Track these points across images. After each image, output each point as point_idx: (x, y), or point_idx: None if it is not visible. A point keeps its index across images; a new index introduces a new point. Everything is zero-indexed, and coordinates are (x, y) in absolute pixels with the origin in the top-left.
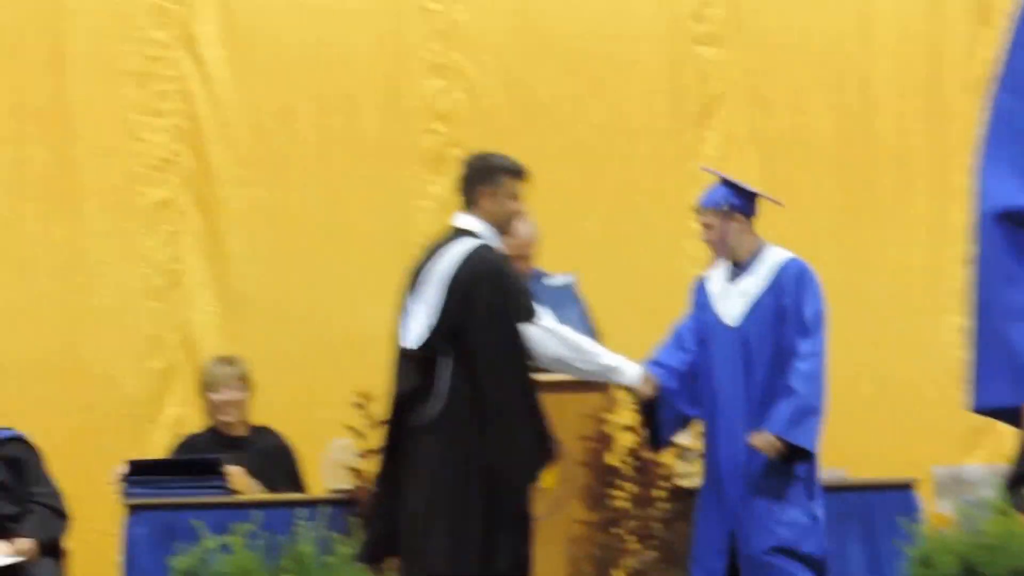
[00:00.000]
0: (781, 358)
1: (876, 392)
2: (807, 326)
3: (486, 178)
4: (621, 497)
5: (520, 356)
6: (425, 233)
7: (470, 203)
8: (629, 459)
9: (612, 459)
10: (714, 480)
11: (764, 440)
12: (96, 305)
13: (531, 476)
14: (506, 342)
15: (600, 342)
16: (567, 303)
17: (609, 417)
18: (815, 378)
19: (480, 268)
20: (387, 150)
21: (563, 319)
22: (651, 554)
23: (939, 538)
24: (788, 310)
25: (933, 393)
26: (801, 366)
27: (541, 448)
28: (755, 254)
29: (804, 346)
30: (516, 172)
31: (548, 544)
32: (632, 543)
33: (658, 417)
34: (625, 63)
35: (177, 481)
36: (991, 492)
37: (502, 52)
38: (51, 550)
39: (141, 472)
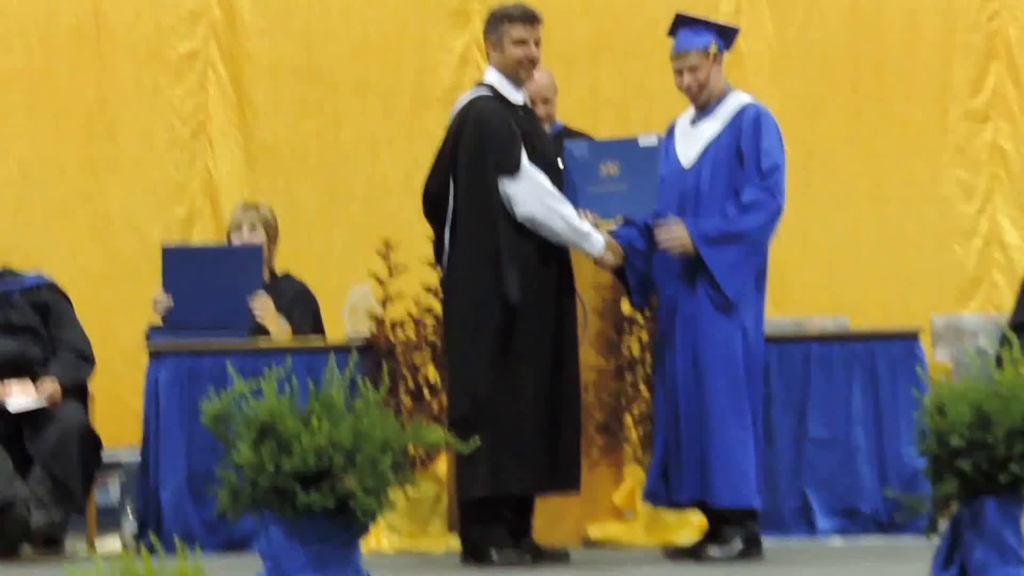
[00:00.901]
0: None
1: (877, 243)
2: (762, 168)
3: (489, 28)
4: (634, 344)
5: (490, 210)
6: (446, 86)
7: (488, 55)
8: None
9: (626, 306)
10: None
11: (674, 232)
12: (122, 154)
13: (486, 325)
14: (479, 195)
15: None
16: (648, 164)
17: None
18: (755, 212)
19: (466, 121)
20: (411, 5)
21: (637, 180)
22: None
23: (952, 386)
24: (743, 153)
25: (932, 244)
26: (745, 197)
27: (499, 301)
28: (720, 98)
29: (753, 182)
30: (516, 17)
31: None
32: (644, 389)
33: (627, 282)
34: None
35: (201, 327)
36: (987, 341)
37: None
38: (76, 393)
39: (178, 259)
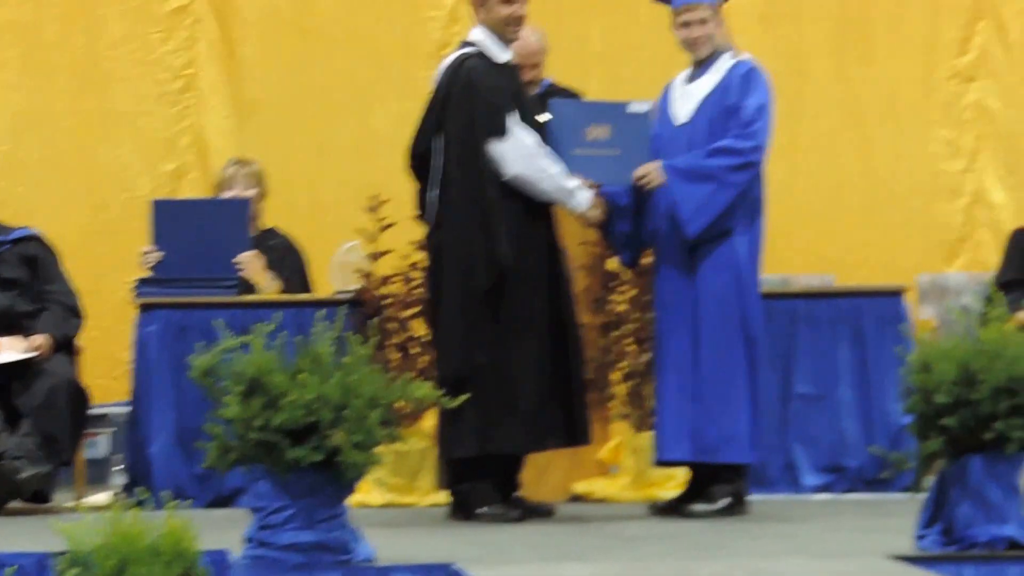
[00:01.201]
0: None
1: (863, 201)
2: (742, 118)
3: None
4: (621, 301)
5: (480, 172)
6: (436, 42)
7: (476, 14)
8: None
9: (612, 264)
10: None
11: (649, 167)
12: (111, 108)
13: (479, 285)
14: (469, 157)
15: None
16: (639, 131)
17: None
18: (726, 155)
19: (453, 81)
20: None
21: (629, 147)
22: (648, 356)
23: (937, 344)
24: (732, 108)
25: (918, 203)
26: (719, 143)
27: (488, 262)
28: (720, 53)
29: (735, 132)
30: None
31: None
32: (630, 345)
33: (614, 238)
34: None
35: (190, 282)
36: (972, 299)
37: None
38: (65, 347)
39: (167, 212)
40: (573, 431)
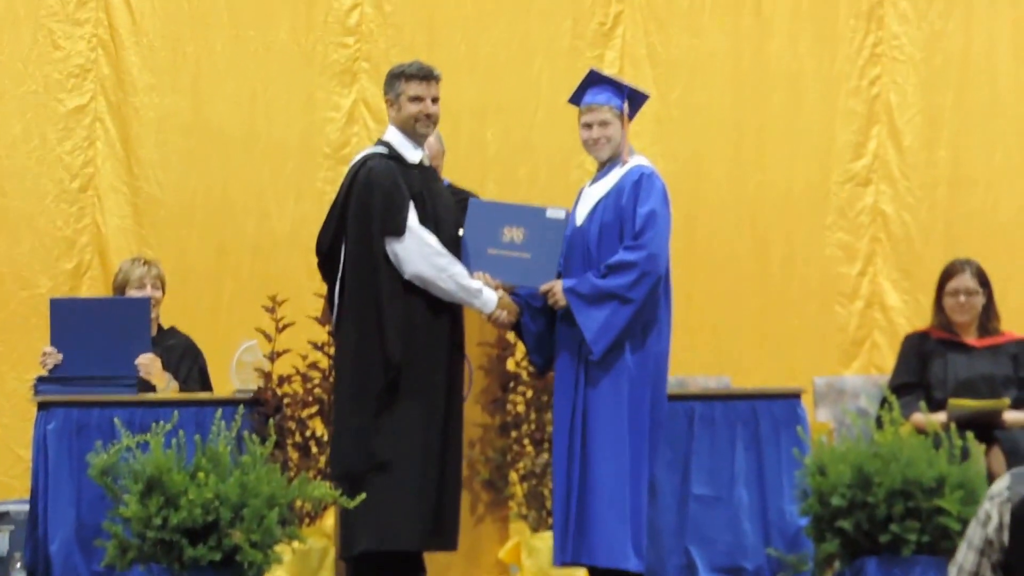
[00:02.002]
0: None
1: (760, 304)
2: (634, 227)
3: (387, 86)
4: (519, 401)
5: (374, 269)
6: (333, 143)
7: (389, 113)
8: (527, 364)
9: (511, 364)
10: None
11: (554, 288)
12: (10, 206)
13: (371, 382)
14: (364, 254)
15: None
16: (552, 237)
17: None
18: (622, 272)
19: (355, 180)
20: (298, 62)
21: (541, 252)
22: (545, 457)
23: (833, 447)
24: (625, 211)
25: (814, 306)
26: (613, 259)
27: (382, 359)
28: (620, 159)
29: (626, 243)
30: (412, 74)
31: None
32: (528, 446)
33: (525, 342)
34: None
35: (89, 380)
36: (868, 402)
37: None
38: None
39: (65, 311)
40: (441, 535)
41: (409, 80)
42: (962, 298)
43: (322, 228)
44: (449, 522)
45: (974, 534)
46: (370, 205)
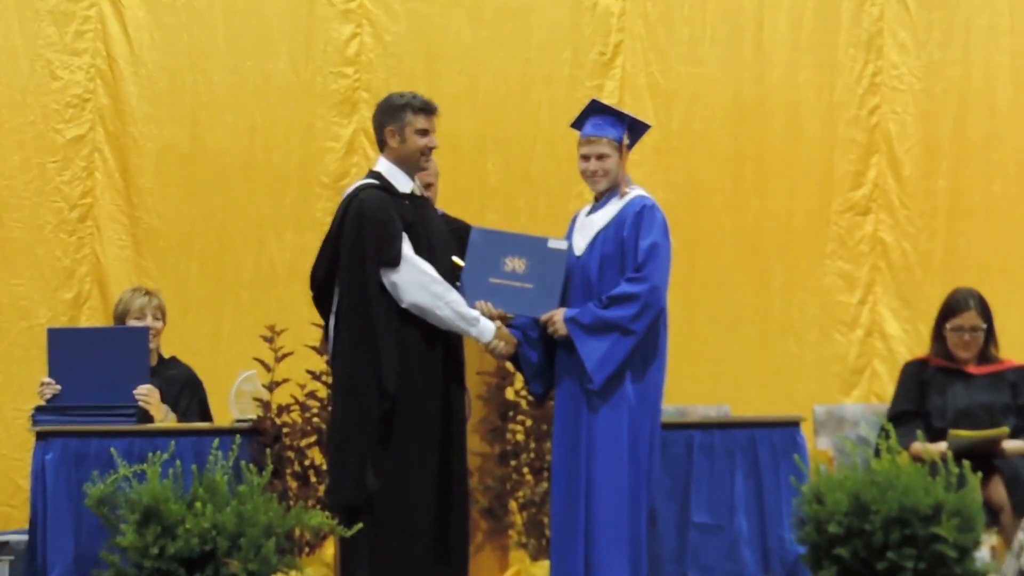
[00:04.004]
0: None
1: (760, 333)
2: (636, 260)
3: (390, 117)
4: (518, 431)
5: (368, 299)
6: (332, 173)
7: (381, 144)
8: (526, 393)
9: (510, 393)
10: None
11: (555, 318)
12: (9, 237)
13: (368, 412)
14: (358, 285)
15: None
16: (554, 268)
17: None
18: (624, 304)
19: (348, 212)
20: (297, 92)
21: (543, 283)
22: (545, 486)
23: (830, 475)
24: (626, 242)
25: (814, 335)
26: (615, 290)
27: (378, 389)
28: (619, 190)
29: (628, 275)
30: (419, 108)
31: None
32: (527, 475)
33: (523, 372)
34: (528, 11)
35: (87, 410)
36: (867, 430)
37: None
38: None
39: (63, 341)
40: (449, 564)
41: (417, 113)
42: (967, 336)
43: (316, 261)
44: (457, 551)
45: (1009, 567)
46: (363, 237)
